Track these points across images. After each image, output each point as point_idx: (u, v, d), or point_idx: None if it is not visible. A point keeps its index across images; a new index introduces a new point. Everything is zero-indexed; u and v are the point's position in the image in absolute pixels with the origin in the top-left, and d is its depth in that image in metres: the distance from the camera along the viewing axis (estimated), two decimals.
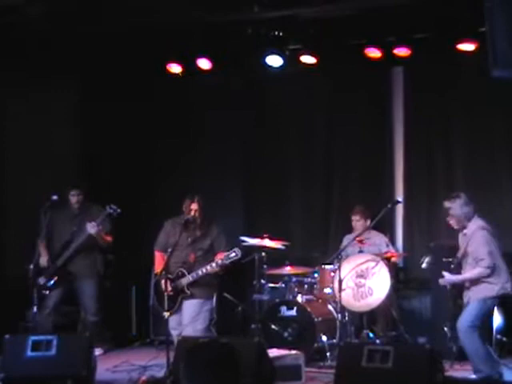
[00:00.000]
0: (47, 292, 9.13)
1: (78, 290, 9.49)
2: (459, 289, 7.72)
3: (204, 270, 7.88)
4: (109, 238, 9.47)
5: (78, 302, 9.59)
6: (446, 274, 7.64)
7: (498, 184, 9.68)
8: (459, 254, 7.60)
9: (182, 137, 11.04)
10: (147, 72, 10.44)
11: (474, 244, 7.45)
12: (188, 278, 7.94)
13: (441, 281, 7.73)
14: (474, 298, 7.46)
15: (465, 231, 7.57)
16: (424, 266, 8.81)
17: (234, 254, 7.82)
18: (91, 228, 9.10)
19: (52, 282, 9.14)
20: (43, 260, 9.22)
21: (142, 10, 8.88)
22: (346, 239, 9.56)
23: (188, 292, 7.93)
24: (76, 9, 8.78)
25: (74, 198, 9.45)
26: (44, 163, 10.20)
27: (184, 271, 7.97)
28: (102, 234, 9.28)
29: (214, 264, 7.87)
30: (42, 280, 9.10)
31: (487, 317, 7.82)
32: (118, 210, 9.13)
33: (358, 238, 9.22)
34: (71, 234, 9.32)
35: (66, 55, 9.75)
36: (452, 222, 7.64)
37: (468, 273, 7.51)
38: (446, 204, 7.61)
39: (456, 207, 7.54)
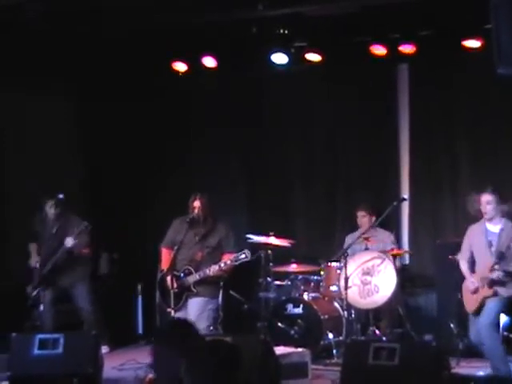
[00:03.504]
0: (33, 302, 9.03)
1: (72, 297, 9.40)
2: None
3: (212, 270, 7.87)
4: (86, 251, 9.32)
5: (75, 307, 9.48)
6: (486, 273, 7.58)
7: (503, 181, 9.65)
8: (502, 248, 7.57)
9: (185, 135, 11.04)
10: (152, 71, 10.45)
11: None
12: (195, 276, 7.94)
13: (483, 282, 7.63)
14: (498, 296, 7.47)
15: (501, 226, 7.66)
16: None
17: (243, 256, 7.82)
18: (69, 243, 8.94)
19: (35, 293, 9.02)
20: (33, 261, 9.17)
21: (146, 9, 8.89)
22: (350, 238, 9.54)
23: (194, 290, 7.93)
24: (77, 8, 8.78)
25: (51, 210, 9.22)
26: (45, 164, 10.20)
27: (191, 269, 7.97)
28: (80, 248, 9.12)
29: (222, 264, 7.86)
30: (29, 289, 9.06)
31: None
32: (90, 227, 9.01)
33: (363, 236, 9.21)
34: (53, 248, 9.12)
35: (69, 55, 9.75)
36: (489, 208, 7.69)
37: None
38: (487, 196, 7.71)
39: (496, 197, 7.70)
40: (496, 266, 7.50)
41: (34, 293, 8.98)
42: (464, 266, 7.85)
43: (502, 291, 7.50)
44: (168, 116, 11.01)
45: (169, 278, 7.94)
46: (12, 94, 9.83)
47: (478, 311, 7.57)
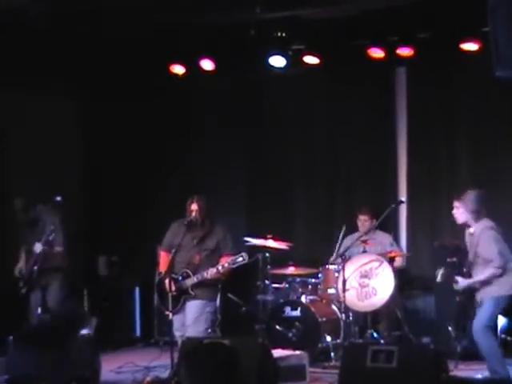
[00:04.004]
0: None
1: (45, 296, 9.03)
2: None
3: (209, 273, 7.86)
4: (58, 249, 8.91)
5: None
6: (459, 279, 7.56)
7: (502, 184, 9.66)
8: (470, 258, 7.53)
9: (184, 137, 11.06)
10: (150, 73, 10.47)
11: (482, 244, 7.39)
12: (193, 279, 7.93)
13: (455, 286, 7.63)
14: (487, 297, 7.41)
15: (471, 230, 7.51)
16: (439, 279, 8.66)
17: (241, 259, 7.82)
18: (38, 248, 8.74)
19: (23, 290, 8.87)
20: (18, 267, 9.03)
21: (144, 11, 8.89)
22: (349, 239, 9.54)
23: (192, 293, 7.92)
24: (78, 11, 8.79)
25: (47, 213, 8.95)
26: (45, 164, 10.19)
27: (189, 272, 7.96)
28: (51, 251, 8.81)
29: (219, 267, 7.85)
30: (20, 283, 8.93)
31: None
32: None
33: (362, 239, 9.22)
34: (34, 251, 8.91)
35: (69, 56, 9.77)
36: (455, 213, 7.56)
37: (480, 274, 7.42)
38: (457, 201, 7.56)
39: (466, 200, 7.48)
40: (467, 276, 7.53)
41: (23, 290, 8.85)
42: None
43: (492, 291, 7.42)
44: (168, 116, 11.03)
45: (167, 281, 7.93)
46: (12, 93, 9.85)
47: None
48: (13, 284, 8.99)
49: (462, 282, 7.55)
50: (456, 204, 7.57)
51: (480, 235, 7.43)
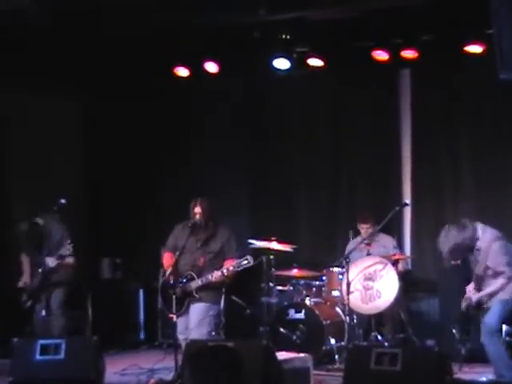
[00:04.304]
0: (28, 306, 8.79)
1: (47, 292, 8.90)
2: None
3: (214, 276, 7.84)
4: (70, 261, 8.73)
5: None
6: (470, 294, 7.52)
7: (505, 186, 9.65)
8: (479, 271, 7.44)
9: (187, 138, 11.06)
10: (151, 74, 10.47)
11: (492, 258, 7.32)
12: (197, 282, 7.90)
13: (467, 301, 7.53)
14: (495, 301, 7.39)
15: (477, 246, 7.38)
16: (463, 307, 7.88)
17: (246, 262, 7.80)
18: (51, 263, 8.57)
19: (29, 303, 8.76)
20: (22, 280, 8.92)
21: (146, 11, 8.89)
22: (351, 244, 9.50)
23: (197, 296, 7.90)
24: (78, 11, 8.79)
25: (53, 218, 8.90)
26: (46, 166, 10.20)
27: (193, 274, 7.94)
28: (63, 263, 8.60)
29: (225, 270, 7.84)
30: (24, 297, 8.83)
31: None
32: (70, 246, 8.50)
33: (366, 241, 9.20)
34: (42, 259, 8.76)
35: (69, 58, 9.77)
36: (447, 257, 7.45)
37: (492, 286, 7.38)
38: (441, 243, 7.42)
39: (450, 240, 7.35)
40: (474, 291, 7.49)
41: (29, 303, 8.76)
42: None
43: (500, 295, 7.38)
44: (169, 118, 11.04)
45: (171, 278, 7.91)
46: (12, 93, 9.86)
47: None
48: (16, 293, 8.95)
49: (474, 298, 7.51)
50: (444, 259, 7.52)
51: (488, 250, 7.35)
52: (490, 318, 7.36)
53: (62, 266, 8.67)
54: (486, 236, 7.39)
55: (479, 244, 7.39)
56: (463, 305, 7.60)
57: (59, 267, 8.66)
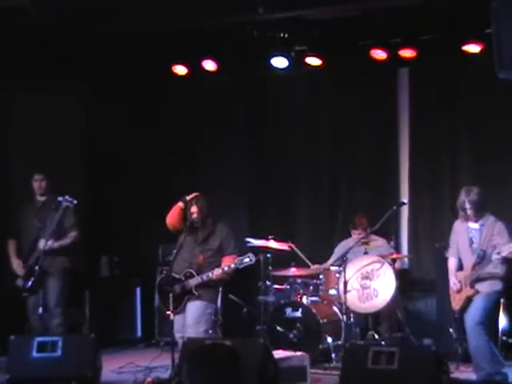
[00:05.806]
0: (27, 294, 8.61)
1: (44, 291, 8.73)
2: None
3: (215, 273, 7.82)
4: (72, 234, 8.76)
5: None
6: (466, 273, 7.55)
7: (503, 184, 9.66)
8: (483, 246, 7.48)
9: (186, 138, 11.05)
10: (152, 73, 10.48)
11: (497, 231, 7.46)
12: (197, 279, 7.86)
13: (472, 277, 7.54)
14: (481, 293, 7.44)
15: (481, 222, 7.54)
16: None
17: (247, 259, 7.75)
18: (42, 245, 8.49)
19: (30, 283, 8.54)
20: (15, 265, 8.73)
21: (144, 10, 8.89)
22: (343, 247, 9.46)
23: (196, 293, 7.87)
24: (78, 11, 8.79)
25: (36, 184, 8.82)
26: (48, 165, 10.18)
27: (192, 272, 7.92)
28: (56, 245, 8.61)
29: (225, 267, 7.80)
30: (19, 282, 8.66)
31: (494, 317, 7.80)
32: (75, 202, 8.55)
33: (363, 240, 9.20)
34: (36, 232, 8.64)
35: (69, 57, 9.77)
36: (468, 208, 7.54)
37: (495, 268, 7.41)
38: (464, 194, 7.56)
39: (477, 193, 7.52)
40: (477, 267, 7.48)
41: (27, 284, 8.55)
42: (451, 264, 7.82)
43: (484, 287, 7.46)
44: (169, 118, 11.03)
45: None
46: (12, 93, 9.85)
47: (464, 309, 7.57)
48: (13, 283, 8.92)
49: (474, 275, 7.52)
50: (467, 203, 7.57)
51: (494, 224, 7.51)
52: (473, 311, 7.43)
53: (56, 252, 8.60)
54: (490, 216, 7.59)
55: (483, 221, 7.55)
56: (454, 288, 7.62)
57: (54, 253, 8.58)
